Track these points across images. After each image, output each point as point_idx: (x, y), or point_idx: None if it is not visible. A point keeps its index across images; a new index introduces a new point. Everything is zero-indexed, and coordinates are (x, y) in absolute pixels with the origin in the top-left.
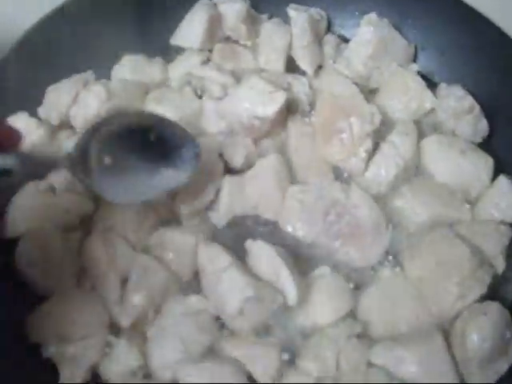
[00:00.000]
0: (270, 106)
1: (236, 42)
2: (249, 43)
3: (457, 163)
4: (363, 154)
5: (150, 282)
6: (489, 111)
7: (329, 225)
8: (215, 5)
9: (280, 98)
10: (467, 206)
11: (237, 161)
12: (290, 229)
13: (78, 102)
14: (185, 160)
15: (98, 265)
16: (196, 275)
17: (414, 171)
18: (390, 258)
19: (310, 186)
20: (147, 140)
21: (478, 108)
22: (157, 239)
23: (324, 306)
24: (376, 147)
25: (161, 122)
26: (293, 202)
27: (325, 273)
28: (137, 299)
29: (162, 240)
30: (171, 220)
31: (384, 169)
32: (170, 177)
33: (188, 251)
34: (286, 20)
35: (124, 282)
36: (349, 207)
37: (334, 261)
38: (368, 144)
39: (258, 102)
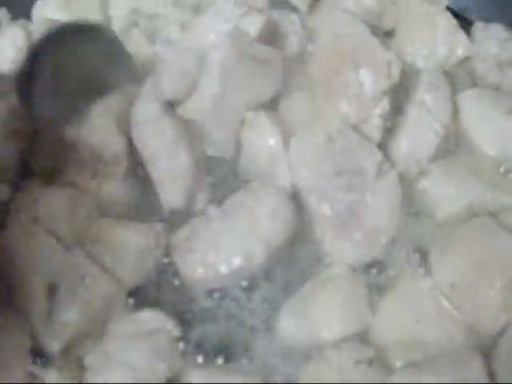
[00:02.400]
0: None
1: None
2: None
3: (502, 127)
4: (378, 121)
5: (87, 291)
6: None
7: (331, 187)
8: None
9: (257, 22)
10: None
11: None
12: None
13: None
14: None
15: (16, 268)
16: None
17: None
18: (416, 255)
19: (338, 131)
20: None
21: None
22: (94, 233)
23: (332, 316)
24: (395, 108)
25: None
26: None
27: (339, 273)
28: (70, 315)
29: (100, 234)
30: (111, 208)
31: (422, 141)
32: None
33: (133, 251)
34: None
35: (52, 291)
36: (368, 189)
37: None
38: (384, 105)
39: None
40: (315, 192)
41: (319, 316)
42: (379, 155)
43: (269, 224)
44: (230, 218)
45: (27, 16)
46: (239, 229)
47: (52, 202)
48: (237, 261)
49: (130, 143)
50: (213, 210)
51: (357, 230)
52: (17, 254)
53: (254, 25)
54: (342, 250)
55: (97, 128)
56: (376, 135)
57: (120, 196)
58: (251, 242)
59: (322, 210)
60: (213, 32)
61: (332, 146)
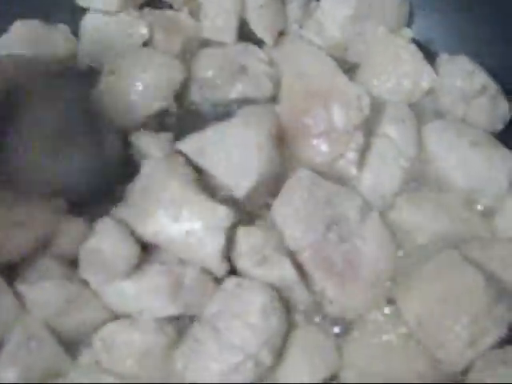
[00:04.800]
0: None
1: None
2: (185, 10)
3: (466, 159)
4: (353, 155)
5: (30, 355)
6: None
7: (326, 243)
8: None
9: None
10: (482, 218)
11: None
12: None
13: None
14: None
15: None
16: None
17: (419, 172)
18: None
19: (312, 183)
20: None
21: (493, 87)
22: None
23: (299, 365)
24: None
25: None
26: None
27: (299, 321)
28: (8, 377)
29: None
30: None
31: (386, 175)
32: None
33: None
34: None
35: None
36: (356, 235)
37: None
38: (358, 139)
39: None
40: (310, 250)
41: (287, 370)
42: (358, 199)
43: (265, 325)
44: (223, 334)
45: None
46: (239, 341)
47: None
48: (249, 372)
49: None
50: (201, 332)
51: (357, 279)
52: None
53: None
54: (347, 300)
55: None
56: (353, 170)
57: None
58: (256, 349)
59: (319, 266)
60: None
61: (314, 201)
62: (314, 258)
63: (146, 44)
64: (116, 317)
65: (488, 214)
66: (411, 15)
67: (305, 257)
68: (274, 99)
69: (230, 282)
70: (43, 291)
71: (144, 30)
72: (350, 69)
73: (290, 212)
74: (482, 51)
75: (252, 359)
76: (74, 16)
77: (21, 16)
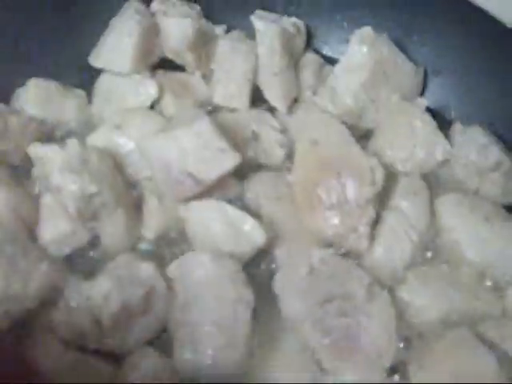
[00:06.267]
0: (214, 166)
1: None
2: (198, 74)
3: (479, 235)
4: (364, 229)
5: None
6: None
7: (323, 314)
8: (151, 15)
9: (230, 161)
10: (496, 296)
11: None
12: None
13: None
14: None
15: None
16: None
17: (429, 244)
18: (393, 368)
19: (321, 260)
20: None
21: (508, 163)
22: None
23: None
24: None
25: None
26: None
27: None
28: None
29: None
30: None
31: (397, 249)
32: None
33: None
34: (250, 33)
35: None
36: (361, 312)
37: None
38: (370, 213)
39: (200, 156)
40: (309, 321)
41: None
42: (367, 279)
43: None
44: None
45: (6, 99)
46: None
47: None
48: None
49: None
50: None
51: (356, 353)
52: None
53: (229, 160)
54: (341, 374)
55: None
56: (364, 244)
57: None
58: None
59: (318, 338)
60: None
61: (317, 276)
62: (314, 329)
63: (153, 105)
64: None
65: (499, 289)
66: (426, 82)
67: (305, 328)
68: (285, 167)
69: None
70: (48, 360)
71: (153, 91)
72: (363, 136)
73: (289, 285)
74: (496, 118)
75: None
76: (88, 76)
77: (36, 73)
